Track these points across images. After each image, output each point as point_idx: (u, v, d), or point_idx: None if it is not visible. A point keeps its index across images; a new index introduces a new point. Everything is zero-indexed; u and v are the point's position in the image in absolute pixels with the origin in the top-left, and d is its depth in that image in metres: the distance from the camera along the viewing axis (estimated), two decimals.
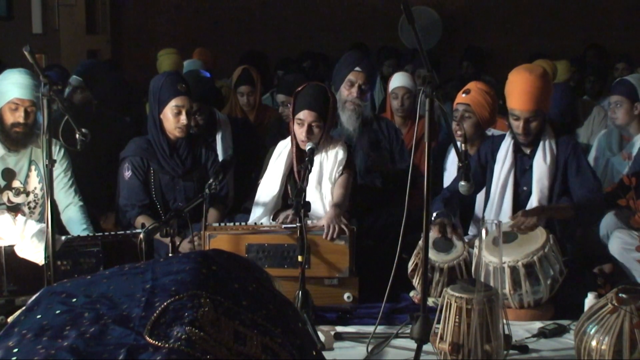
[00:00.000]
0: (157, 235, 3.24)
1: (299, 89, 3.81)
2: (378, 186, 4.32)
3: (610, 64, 7.55)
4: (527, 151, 3.77)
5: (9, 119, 3.65)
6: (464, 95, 4.19)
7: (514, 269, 3.26)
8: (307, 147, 3.57)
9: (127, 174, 3.93)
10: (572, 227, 3.74)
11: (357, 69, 4.37)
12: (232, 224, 3.63)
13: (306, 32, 9.40)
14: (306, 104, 3.71)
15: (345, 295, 3.50)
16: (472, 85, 4.25)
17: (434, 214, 3.58)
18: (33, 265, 3.23)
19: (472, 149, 4.08)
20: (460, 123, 4.04)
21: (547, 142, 3.72)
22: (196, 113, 4.39)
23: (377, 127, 4.48)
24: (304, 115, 3.70)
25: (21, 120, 3.64)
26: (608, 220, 3.75)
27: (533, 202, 3.69)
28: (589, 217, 3.69)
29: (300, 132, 3.71)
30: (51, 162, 3.05)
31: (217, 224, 3.62)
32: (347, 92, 4.29)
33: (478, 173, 3.82)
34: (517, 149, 3.79)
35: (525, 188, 3.77)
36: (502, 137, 3.88)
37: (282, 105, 5.11)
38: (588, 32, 9.02)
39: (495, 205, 3.78)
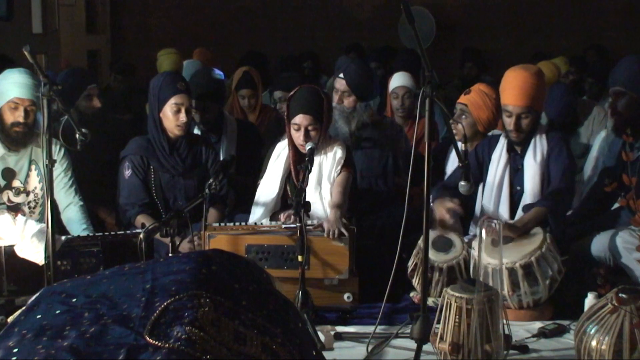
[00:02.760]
0: (157, 235, 3.24)
1: (292, 93, 3.80)
2: (380, 188, 4.31)
3: (610, 64, 7.54)
4: (519, 150, 3.78)
5: (9, 118, 3.65)
6: (464, 95, 4.25)
7: (511, 270, 3.26)
8: (307, 147, 3.57)
9: (127, 172, 3.93)
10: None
11: (340, 75, 4.39)
12: (232, 224, 3.63)
13: (306, 32, 9.40)
14: (301, 108, 3.70)
15: (345, 295, 3.50)
16: (475, 87, 4.31)
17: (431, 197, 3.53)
18: (33, 265, 3.23)
19: (470, 149, 4.08)
20: (455, 122, 4.04)
21: (537, 141, 3.72)
22: (203, 110, 4.41)
23: (377, 130, 4.47)
24: (300, 119, 3.70)
25: (21, 119, 3.64)
26: (600, 243, 3.66)
27: (526, 202, 3.69)
28: (559, 209, 3.65)
29: (297, 136, 3.71)
30: (51, 162, 3.05)
31: (217, 224, 3.62)
32: (334, 98, 4.30)
33: (475, 170, 3.82)
34: (510, 148, 3.79)
35: (518, 188, 3.77)
36: (499, 136, 3.89)
37: (279, 101, 5.12)
38: (588, 32, 9.01)
39: (493, 204, 3.78)
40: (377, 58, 7.76)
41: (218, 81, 4.80)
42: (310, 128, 3.69)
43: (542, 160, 3.70)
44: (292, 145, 3.78)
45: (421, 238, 2.98)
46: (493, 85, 4.53)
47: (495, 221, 2.82)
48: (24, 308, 1.43)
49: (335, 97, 4.34)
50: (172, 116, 3.90)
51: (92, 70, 5.04)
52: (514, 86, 3.66)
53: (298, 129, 3.70)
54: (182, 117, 3.89)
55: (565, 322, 3.20)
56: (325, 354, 2.36)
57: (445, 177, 4.22)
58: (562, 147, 3.71)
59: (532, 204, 3.61)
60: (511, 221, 3.57)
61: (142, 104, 5.91)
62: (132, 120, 5.64)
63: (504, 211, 3.74)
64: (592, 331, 2.59)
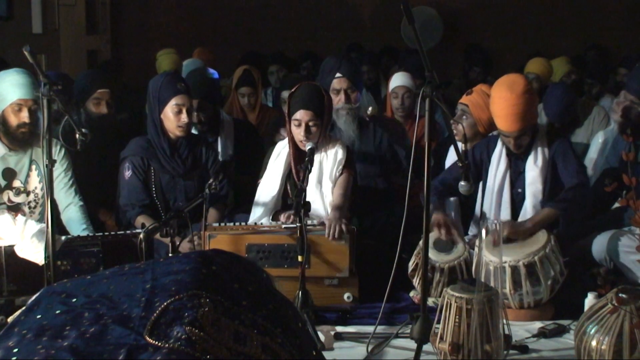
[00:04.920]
0: (157, 235, 3.24)
1: (293, 90, 3.80)
2: (380, 188, 4.31)
3: (610, 65, 7.54)
4: (520, 154, 3.77)
5: (14, 120, 3.63)
6: (465, 95, 4.26)
7: (515, 269, 3.27)
8: (307, 146, 3.57)
9: (128, 173, 3.93)
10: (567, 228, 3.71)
11: (337, 75, 4.36)
12: (232, 224, 3.63)
13: (306, 32, 9.40)
14: (302, 104, 3.71)
15: (345, 295, 3.50)
16: (477, 87, 4.31)
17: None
18: (33, 265, 3.23)
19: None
20: (456, 122, 4.04)
21: (538, 145, 3.72)
22: (199, 110, 4.41)
23: (377, 127, 4.48)
24: (301, 115, 3.70)
25: (27, 120, 3.62)
26: (600, 244, 3.67)
27: (527, 206, 3.69)
28: (576, 205, 3.65)
29: (298, 132, 3.71)
30: (51, 162, 3.05)
31: (217, 224, 3.62)
32: (336, 100, 4.26)
33: (472, 171, 3.81)
34: (510, 153, 3.78)
35: (520, 190, 3.77)
36: (497, 137, 3.88)
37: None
38: (588, 32, 9.01)
39: (494, 207, 3.78)
40: (374, 60, 7.72)
41: (212, 80, 4.81)
42: (311, 124, 3.69)
43: (543, 164, 3.69)
44: (293, 142, 3.79)
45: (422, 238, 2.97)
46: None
47: (495, 220, 2.82)
48: (24, 308, 1.43)
49: (337, 99, 4.31)
50: (173, 117, 3.90)
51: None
52: (505, 113, 3.61)
53: (299, 125, 3.70)
54: (184, 117, 3.89)
55: (565, 322, 3.21)
56: (325, 354, 2.36)
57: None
58: (567, 151, 3.71)
59: (545, 204, 3.61)
60: (520, 221, 3.56)
61: (139, 103, 5.90)
62: (128, 119, 5.64)
63: (505, 214, 3.73)
64: (592, 331, 2.59)
